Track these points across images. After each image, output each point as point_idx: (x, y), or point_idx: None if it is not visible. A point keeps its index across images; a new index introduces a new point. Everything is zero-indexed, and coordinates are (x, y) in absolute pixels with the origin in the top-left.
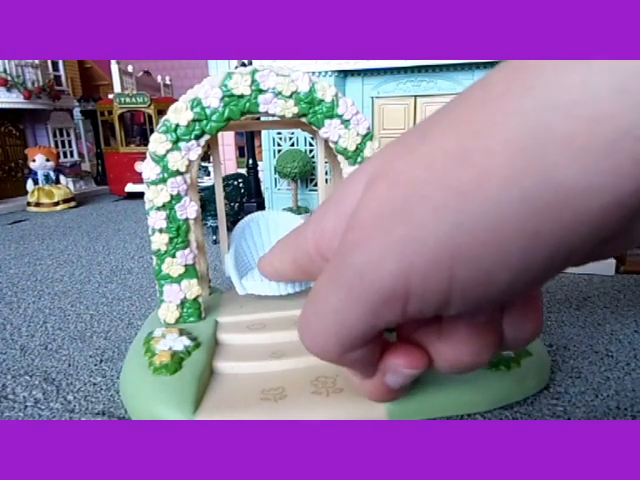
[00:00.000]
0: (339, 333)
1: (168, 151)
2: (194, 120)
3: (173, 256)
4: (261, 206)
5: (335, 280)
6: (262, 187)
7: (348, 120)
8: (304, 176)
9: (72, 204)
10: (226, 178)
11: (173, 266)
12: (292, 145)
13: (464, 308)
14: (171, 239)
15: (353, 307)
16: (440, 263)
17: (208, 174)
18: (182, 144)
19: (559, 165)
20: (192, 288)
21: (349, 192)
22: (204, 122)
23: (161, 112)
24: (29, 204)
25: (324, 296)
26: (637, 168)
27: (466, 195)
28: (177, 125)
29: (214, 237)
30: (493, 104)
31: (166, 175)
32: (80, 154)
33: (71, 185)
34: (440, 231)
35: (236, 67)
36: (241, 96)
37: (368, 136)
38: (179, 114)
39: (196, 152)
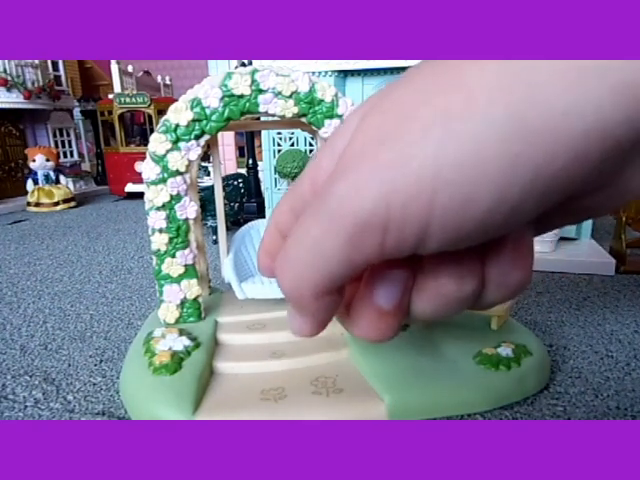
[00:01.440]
0: (316, 266)
1: (168, 151)
2: (194, 120)
3: (173, 256)
4: (261, 206)
5: (317, 210)
6: (262, 187)
7: None
8: None
9: (72, 204)
10: (226, 178)
11: (173, 266)
12: (292, 145)
13: (441, 240)
14: (171, 239)
15: (332, 236)
16: (422, 185)
17: (208, 174)
18: (182, 144)
19: (545, 82)
20: (192, 288)
21: (342, 132)
22: (204, 122)
23: (161, 112)
24: (29, 204)
25: (305, 227)
26: (622, 97)
27: (453, 114)
28: (177, 125)
29: (214, 237)
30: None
31: (166, 175)
32: (80, 154)
33: (71, 185)
34: (425, 152)
35: (236, 67)
36: (241, 96)
37: None
38: (179, 114)
39: (196, 152)
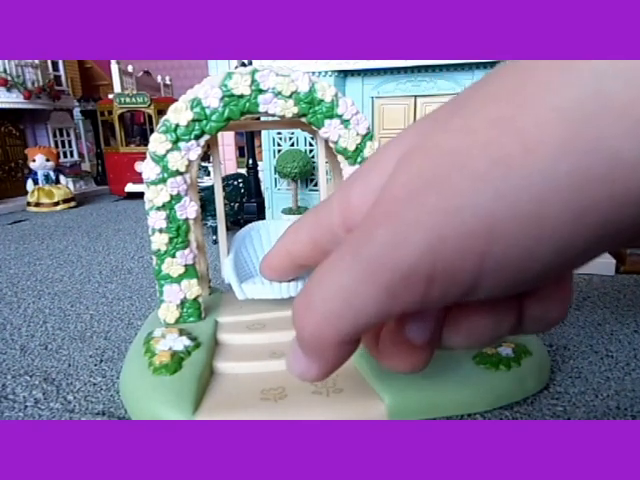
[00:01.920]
0: (346, 316)
1: (168, 151)
2: (194, 120)
3: (173, 256)
4: (261, 206)
5: (352, 256)
6: (262, 187)
7: (348, 120)
8: (304, 176)
9: (72, 204)
10: (226, 178)
11: (173, 266)
12: (292, 145)
13: (494, 292)
14: (171, 239)
15: (369, 286)
16: (474, 237)
17: (208, 174)
18: (182, 144)
19: (613, 135)
20: (192, 288)
21: (379, 165)
22: (204, 122)
23: (161, 112)
24: (29, 204)
25: (335, 273)
26: None
27: (510, 165)
28: (177, 125)
29: (214, 237)
30: (542, 73)
31: (166, 175)
32: (80, 154)
33: (71, 185)
34: (478, 202)
35: (236, 67)
36: (241, 96)
37: (368, 136)
38: (179, 114)
39: (196, 152)
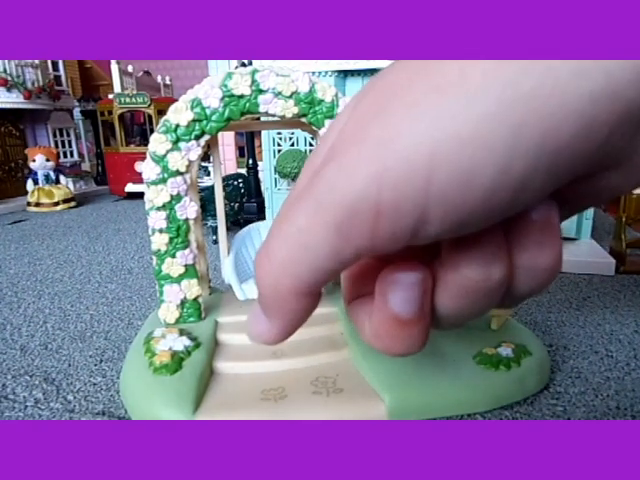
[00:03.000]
0: (301, 259)
1: (168, 151)
2: (194, 120)
3: (173, 256)
4: (261, 206)
5: (305, 197)
6: (262, 187)
7: None
8: None
9: (72, 204)
10: (226, 178)
11: (173, 266)
12: (292, 145)
13: (442, 225)
14: (171, 239)
15: (319, 225)
16: (416, 162)
17: (208, 174)
18: (182, 144)
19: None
20: (192, 288)
21: (334, 126)
22: (204, 122)
23: (161, 112)
24: (29, 204)
25: (290, 215)
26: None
27: (449, 88)
28: (177, 125)
29: (214, 237)
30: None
31: (166, 175)
32: (80, 154)
33: (71, 185)
34: (418, 128)
35: (236, 67)
36: (241, 96)
37: None
38: (179, 114)
39: (196, 152)
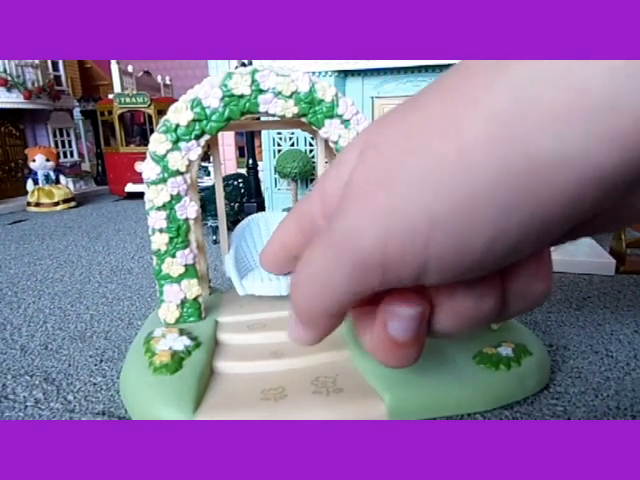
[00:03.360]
0: (326, 293)
1: (168, 151)
2: (194, 120)
3: (173, 256)
4: (261, 206)
5: (325, 242)
6: (262, 187)
7: (348, 120)
8: (304, 176)
9: (72, 204)
10: (226, 178)
11: (173, 266)
12: (292, 145)
13: (442, 276)
14: (171, 239)
15: (337, 270)
16: (417, 229)
17: (208, 174)
18: (182, 144)
19: (536, 134)
20: (192, 288)
21: (345, 159)
22: (204, 122)
23: (161, 112)
24: (29, 204)
25: (314, 257)
26: (615, 143)
27: (446, 166)
28: (177, 125)
29: (214, 237)
30: (480, 74)
31: (166, 175)
32: (80, 154)
33: (71, 185)
34: (418, 200)
35: (236, 67)
36: (241, 96)
37: None
38: (179, 114)
39: (196, 152)
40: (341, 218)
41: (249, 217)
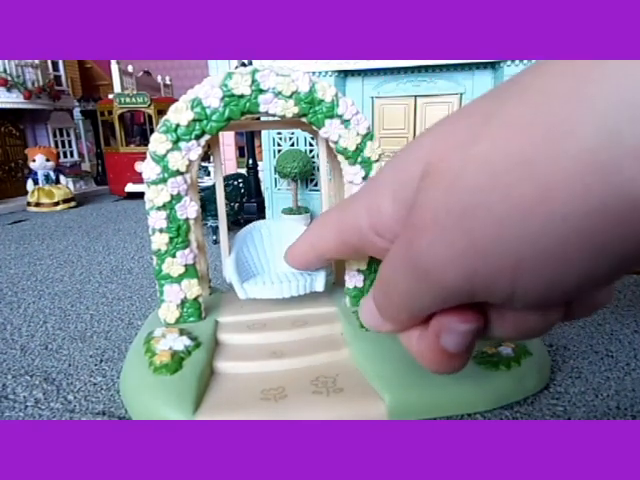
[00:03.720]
0: (409, 308)
1: (168, 151)
2: (194, 120)
3: (173, 256)
4: (261, 206)
5: (404, 270)
6: (262, 187)
7: (348, 120)
8: (304, 176)
9: (72, 204)
10: (226, 178)
11: (173, 266)
12: (292, 145)
13: (527, 304)
14: (171, 239)
15: (421, 295)
16: (502, 272)
17: (208, 174)
18: (182, 144)
19: (630, 177)
20: (192, 288)
21: (404, 174)
22: (204, 122)
23: (161, 112)
24: (29, 204)
25: (394, 281)
26: None
27: (530, 210)
28: (177, 125)
29: (214, 237)
30: (558, 102)
31: (166, 175)
32: (80, 154)
33: (71, 185)
34: (503, 245)
35: (236, 67)
36: (241, 96)
37: (368, 136)
38: (179, 114)
39: (196, 152)
40: (416, 253)
41: (252, 224)
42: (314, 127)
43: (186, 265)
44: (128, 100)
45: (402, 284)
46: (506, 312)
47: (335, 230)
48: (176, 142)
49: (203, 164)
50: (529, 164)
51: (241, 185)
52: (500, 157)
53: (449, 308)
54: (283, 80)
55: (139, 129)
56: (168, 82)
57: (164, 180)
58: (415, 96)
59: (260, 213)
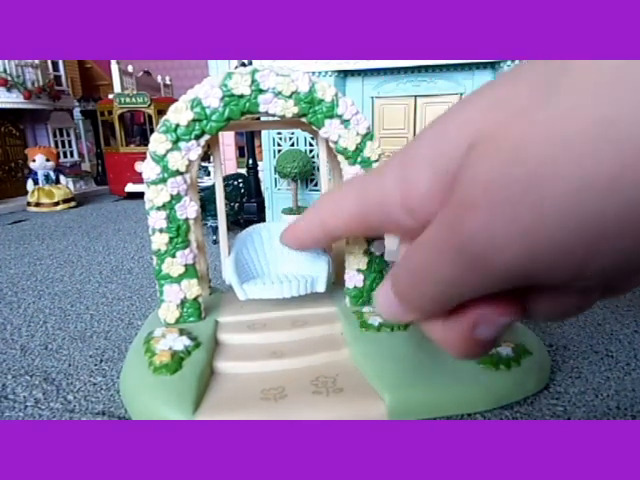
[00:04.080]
0: (445, 299)
1: (168, 151)
2: (194, 120)
3: (173, 256)
4: (261, 206)
5: (446, 256)
6: (262, 187)
7: (348, 120)
8: (304, 176)
9: (72, 204)
10: (226, 178)
11: (173, 266)
12: (292, 145)
13: (593, 283)
14: (171, 239)
15: (464, 283)
16: (575, 250)
17: (208, 174)
18: (182, 144)
19: None
20: (192, 288)
21: (444, 146)
22: (204, 122)
23: (161, 112)
24: (29, 204)
25: (431, 270)
26: None
27: (612, 180)
28: (177, 125)
29: (214, 237)
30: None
31: (166, 175)
32: (80, 154)
33: (71, 185)
34: (577, 221)
35: (236, 67)
36: (241, 96)
37: (368, 136)
38: (179, 114)
39: (196, 152)
40: (464, 234)
41: (252, 227)
42: (314, 127)
43: (186, 265)
44: (128, 100)
45: (442, 272)
46: (549, 293)
47: (354, 206)
48: (176, 142)
49: (203, 164)
50: (607, 127)
51: (241, 185)
52: (575, 121)
53: (485, 296)
54: (283, 80)
55: (139, 129)
56: (168, 82)
57: (164, 180)
58: (415, 96)
59: (260, 213)
